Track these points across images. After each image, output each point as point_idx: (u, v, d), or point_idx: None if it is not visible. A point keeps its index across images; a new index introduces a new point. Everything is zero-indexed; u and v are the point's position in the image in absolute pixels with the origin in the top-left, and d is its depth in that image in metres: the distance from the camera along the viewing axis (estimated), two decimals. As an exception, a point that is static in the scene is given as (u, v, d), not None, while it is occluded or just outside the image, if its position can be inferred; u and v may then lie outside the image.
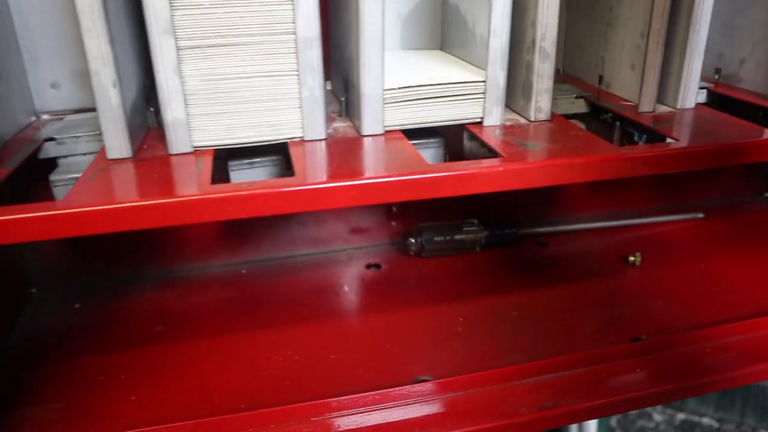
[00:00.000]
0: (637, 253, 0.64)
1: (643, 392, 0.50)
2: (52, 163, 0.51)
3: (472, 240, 0.66)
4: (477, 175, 0.42)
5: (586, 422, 1.24)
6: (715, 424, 1.47)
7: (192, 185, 0.41)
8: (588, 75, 0.62)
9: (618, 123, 0.54)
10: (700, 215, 0.73)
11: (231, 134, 0.47)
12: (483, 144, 0.47)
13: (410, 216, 0.69)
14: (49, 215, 0.37)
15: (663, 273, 0.64)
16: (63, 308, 0.59)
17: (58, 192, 0.47)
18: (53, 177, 0.49)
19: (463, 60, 0.55)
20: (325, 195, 0.40)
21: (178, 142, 0.46)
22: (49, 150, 0.51)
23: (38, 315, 0.59)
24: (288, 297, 0.61)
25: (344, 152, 0.46)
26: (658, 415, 1.50)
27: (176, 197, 0.39)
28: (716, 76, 0.65)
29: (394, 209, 0.69)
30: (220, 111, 0.46)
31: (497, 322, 0.57)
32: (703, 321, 0.56)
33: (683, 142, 0.48)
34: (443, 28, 0.61)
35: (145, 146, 0.48)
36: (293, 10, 0.44)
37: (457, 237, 0.66)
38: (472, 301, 0.60)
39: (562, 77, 0.65)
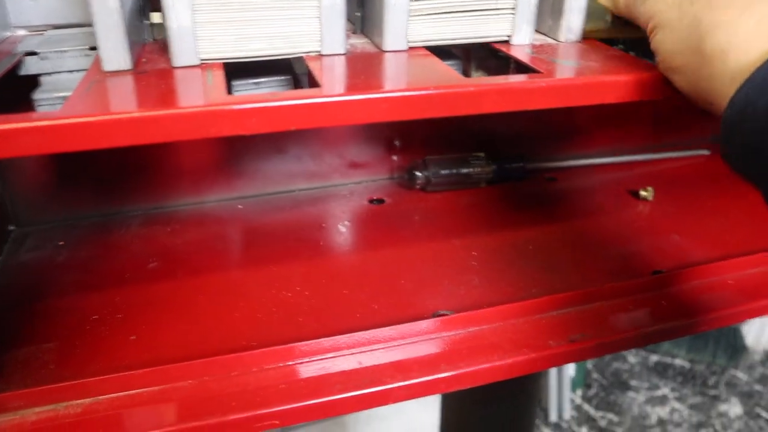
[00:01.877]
0: (649, 188, 0.63)
1: (668, 324, 0.48)
2: (33, 81, 0.46)
3: (479, 174, 0.63)
4: (520, 90, 0.39)
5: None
6: (687, 365, 1.52)
7: (206, 96, 0.37)
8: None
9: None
10: (706, 152, 0.71)
11: (242, 46, 0.42)
12: (516, 61, 0.44)
13: (412, 150, 0.65)
14: (47, 125, 0.33)
15: (674, 208, 0.62)
16: (46, 245, 0.54)
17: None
18: (37, 96, 0.44)
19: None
20: (357, 107, 0.37)
21: (182, 53, 0.41)
22: (30, 66, 0.45)
23: (18, 253, 0.54)
24: (289, 233, 0.57)
25: (369, 66, 0.42)
26: (632, 357, 1.54)
27: (193, 107, 0.35)
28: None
29: (396, 142, 0.65)
30: (230, 19, 0.41)
31: (512, 256, 0.55)
32: (718, 254, 0.55)
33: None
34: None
35: (144, 59, 0.43)
36: None
37: (464, 170, 0.63)
38: (484, 235, 0.57)
39: None
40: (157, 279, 0.51)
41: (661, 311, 0.49)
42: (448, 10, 0.45)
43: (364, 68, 0.42)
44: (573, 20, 0.48)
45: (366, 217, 0.60)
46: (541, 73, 0.41)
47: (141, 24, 0.46)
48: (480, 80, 0.40)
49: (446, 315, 0.47)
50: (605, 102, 0.40)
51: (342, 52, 0.44)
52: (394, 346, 0.45)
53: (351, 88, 0.38)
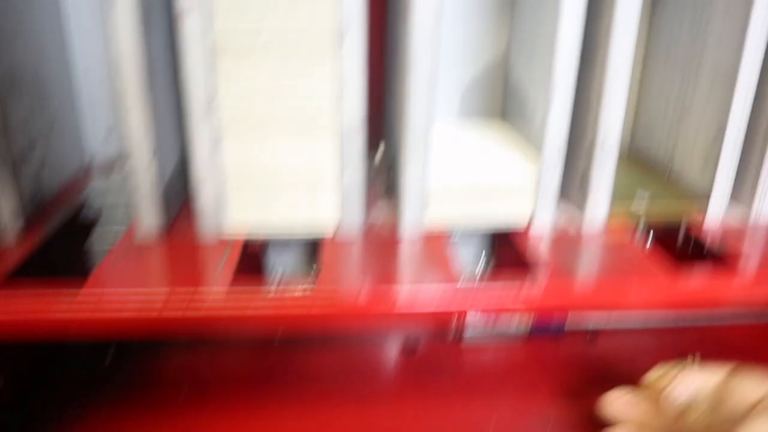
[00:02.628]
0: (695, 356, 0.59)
1: None
2: (90, 228, 0.51)
3: (515, 329, 0.62)
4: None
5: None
6: None
7: (210, 286, 0.39)
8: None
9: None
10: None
11: (266, 223, 0.45)
12: (520, 256, 0.44)
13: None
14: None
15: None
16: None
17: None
18: (88, 246, 0.48)
19: (522, 137, 0.52)
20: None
21: (207, 227, 0.44)
22: (88, 214, 0.50)
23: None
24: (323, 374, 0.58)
25: (374, 257, 0.43)
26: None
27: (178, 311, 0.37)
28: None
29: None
30: (256, 198, 0.44)
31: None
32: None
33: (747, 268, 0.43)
34: (505, 98, 0.58)
35: (176, 228, 0.46)
36: (339, 95, 0.41)
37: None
38: (513, 399, 0.56)
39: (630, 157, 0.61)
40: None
41: None
42: (466, 197, 0.46)
43: (368, 262, 0.43)
44: (599, 207, 0.47)
45: (398, 369, 0.60)
46: (538, 276, 0.41)
47: (181, 186, 0.50)
48: (463, 290, 0.40)
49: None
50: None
51: (358, 232, 0.45)
52: None
53: (341, 296, 0.38)
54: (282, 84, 0.41)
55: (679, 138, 0.54)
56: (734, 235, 0.48)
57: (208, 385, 0.56)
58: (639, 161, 0.59)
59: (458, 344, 0.63)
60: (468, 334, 0.62)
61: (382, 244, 0.45)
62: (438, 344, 0.63)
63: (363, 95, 0.41)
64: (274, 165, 0.43)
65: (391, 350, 0.62)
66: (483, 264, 0.50)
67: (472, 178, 0.46)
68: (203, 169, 0.42)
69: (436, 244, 0.45)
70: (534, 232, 0.47)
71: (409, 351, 0.61)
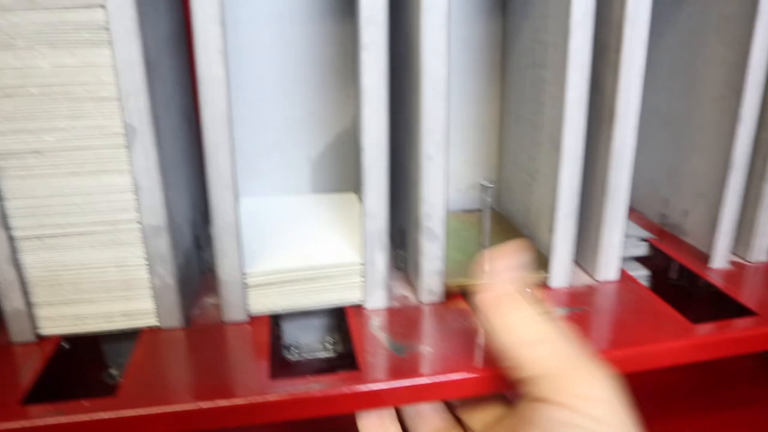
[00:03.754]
0: None
1: None
2: None
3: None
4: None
5: None
6: None
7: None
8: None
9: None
10: None
11: (81, 323, 0.43)
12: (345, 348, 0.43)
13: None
14: None
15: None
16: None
17: None
18: None
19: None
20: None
21: (19, 332, 0.43)
22: None
23: None
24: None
25: (197, 350, 0.42)
26: None
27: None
28: (661, 222, 0.59)
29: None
30: (65, 300, 0.42)
31: None
32: None
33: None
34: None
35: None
36: (136, 199, 0.40)
37: None
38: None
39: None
40: None
41: None
42: (290, 281, 0.44)
43: (180, 358, 0.41)
44: (432, 283, 0.46)
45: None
46: (359, 371, 0.39)
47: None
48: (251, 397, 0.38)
49: None
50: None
51: (182, 325, 0.44)
52: None
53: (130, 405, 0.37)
54: (77, 194, 0.40)
55: (531, 202, 0.53)
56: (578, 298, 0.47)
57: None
58: (503, 221, 0.59)
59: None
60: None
61: (206, 335, 0.43)
62: None
63: (162, 194, 0.40)
64: (80, 274, 0.42)
65: None
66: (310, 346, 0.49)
67: (299, 261, 0.45)
68: (5, 276, 0.41)
69: (259, 329, 0.43)
70: (367, 309, 0.46)
71: None
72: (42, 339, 0.43)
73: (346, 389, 0.38)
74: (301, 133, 0.58)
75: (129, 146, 0.39)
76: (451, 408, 0.44)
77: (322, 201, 0.57)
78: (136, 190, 0.40)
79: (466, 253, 0.52)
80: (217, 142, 0.40)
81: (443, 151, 0.43)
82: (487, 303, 0.36)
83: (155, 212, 0.41)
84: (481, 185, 0.44)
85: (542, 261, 0.50)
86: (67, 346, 0.46)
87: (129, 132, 0.39)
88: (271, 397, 0.37)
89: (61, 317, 0.43)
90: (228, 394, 0.37)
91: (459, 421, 0.43)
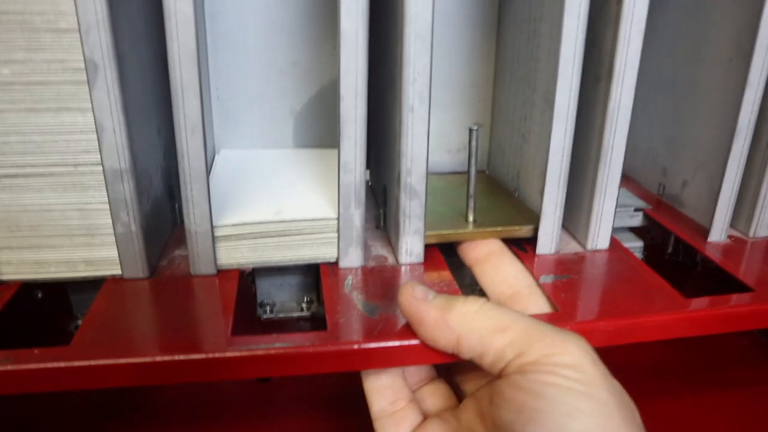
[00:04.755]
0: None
1: None
2: None
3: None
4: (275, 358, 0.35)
5: None
6: None
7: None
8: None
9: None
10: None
11: (41, 269, 0.41)
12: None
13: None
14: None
15: None
16: None
17: None
18: None
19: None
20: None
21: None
22: None
23: None
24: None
25: (159, 302, 0.40)
26: None
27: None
28: (659, 192, 0.56)
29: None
30: (25, 245, 0.40)
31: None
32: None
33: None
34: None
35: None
36: (98, 140, 0.38)
37: None
38: None
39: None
40: None
41: None
42: (261, 235, 0.42)
43: (148, 307, 0.39)
44: (412, 244, 0.44)
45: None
46: (327, 331, 0.37)
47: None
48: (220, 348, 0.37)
49: None
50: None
51: (146, 275, 0.42)
52: None
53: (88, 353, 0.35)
54: (35, 132, 0.37)
55: (522, 164, 0.51)
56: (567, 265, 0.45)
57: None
58: (493, 183, 0.56)
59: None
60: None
61: (172, 286, 0.41)
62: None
63: (126, 136, 0.38)
64: (40, 217, 0.39)
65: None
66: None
67: (272, 214, 0.43)
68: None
69: (227, 284, 0.42)
70: (342, 268, 0.44)
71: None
72: (1, 284, 0.41)
73: (310, 349, 0.36)
74: (284, 84, 0.55)
75: (90, 83, 0.37)
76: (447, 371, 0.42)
77: (304, 156, 0.55)
78: (99, 130, 0.38)
79: (450, 207, 0.49)
80: (184, 83, 0.37)
81: (426, 103, 0.40)
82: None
83: (118, 155, 0.39)
84: (469, 129, 0.42)
85: (532, 216, 0.47)
86: (40, 294, 0.45)
87: (90, 68, 0.36)
88: (230, 354, 0.35)
89: (21, 262, 0.41)
90: (186, 349, 0.35)
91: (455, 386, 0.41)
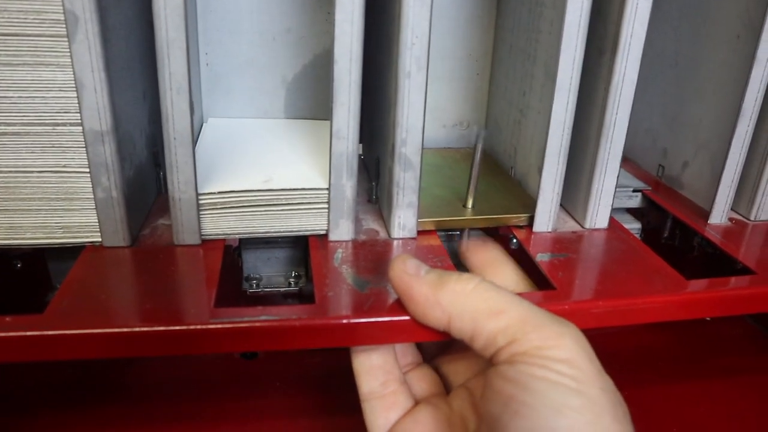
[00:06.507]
0: None
1: None
2: None
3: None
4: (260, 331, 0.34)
5: None
6: None
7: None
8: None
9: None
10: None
11: (16, 234, 0.39)
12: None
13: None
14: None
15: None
16: None
17: None
18: None
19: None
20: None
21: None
22: None
23: None
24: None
25: (140, 271, 0.38)
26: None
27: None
28: (658, 174, 0.55)
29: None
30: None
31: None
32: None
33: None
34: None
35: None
36: (78, 99, 0.36)
37: None
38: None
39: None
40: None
41: None
42: (249, 204, 0.41)
43: (129, 276, 0.38)
44: (405, 217, 0.42)
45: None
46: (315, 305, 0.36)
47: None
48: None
49: None
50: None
51: (127, 244, 0.40)
52: None
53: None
54: (11, 87, 0.35)
55: (519, 140, 0.49)
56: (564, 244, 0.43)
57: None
58: (489, 161, 0.55)
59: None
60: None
61: (153, 255, 0.40)
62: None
63: (108, 95, 0.36)
64: (16, 179, 0.38)
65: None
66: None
67: (259, 183, 0.41)
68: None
69: (211, 254, 0.40)
70: (332, 241, 0.42)
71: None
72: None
73: (297, 323, 0.34)
74: (276, 51, 0.53)
75: (70, 36, 0.35)
76: (431, 358, 0.40)
77: (295, 126, 0.53)
78: (78, 87, 0.36)
79: (447, 188, 0.48)
80: (170, 38, 0.35)
81: (424, 70, 0.38)
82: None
83: (99, 115, 0.37)
84: (476, 133, 0.40)
85: (528, 204, 0.46)
86: (19, 264, 0.43)
87: (70, 20, 0.34)
88: (212, 326, 0.33)
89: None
90: (166, 320, 0.33)
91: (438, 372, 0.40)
